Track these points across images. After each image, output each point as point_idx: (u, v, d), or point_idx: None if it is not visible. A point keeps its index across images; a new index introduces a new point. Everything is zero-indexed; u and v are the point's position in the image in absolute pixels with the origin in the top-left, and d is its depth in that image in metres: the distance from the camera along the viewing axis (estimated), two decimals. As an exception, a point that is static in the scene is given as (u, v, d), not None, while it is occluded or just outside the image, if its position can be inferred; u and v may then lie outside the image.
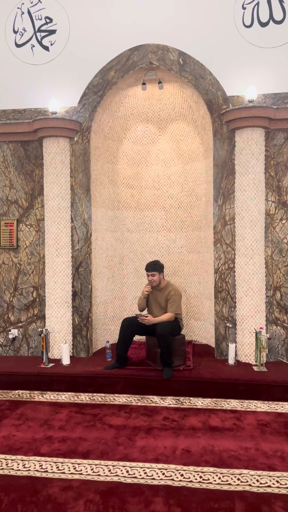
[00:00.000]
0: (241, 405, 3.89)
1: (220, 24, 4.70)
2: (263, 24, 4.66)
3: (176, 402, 3.97)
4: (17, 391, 4.30)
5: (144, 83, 5.12)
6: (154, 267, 4.58)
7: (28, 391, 4.28)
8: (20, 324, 5.20)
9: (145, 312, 4.77)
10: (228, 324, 4.79)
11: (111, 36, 4.86)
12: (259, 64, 4.66)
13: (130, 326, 4.47)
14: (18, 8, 5.04)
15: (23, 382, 4.38)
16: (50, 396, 4.17)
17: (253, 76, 4.64)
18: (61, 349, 4.69)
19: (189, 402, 3.97)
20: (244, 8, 4.68)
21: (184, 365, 4.45)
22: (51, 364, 4.65)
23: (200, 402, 3.95)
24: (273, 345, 4.75)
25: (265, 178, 4.70)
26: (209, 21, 4.72)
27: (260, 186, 4.63)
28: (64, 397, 4.15)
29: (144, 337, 4.87)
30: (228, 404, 3.91)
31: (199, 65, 4.76)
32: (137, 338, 4.70)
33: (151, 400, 4.01)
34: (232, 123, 4.62)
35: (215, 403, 3.93)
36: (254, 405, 3.88)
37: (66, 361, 4.65)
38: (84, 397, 4.13)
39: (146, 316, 4.38)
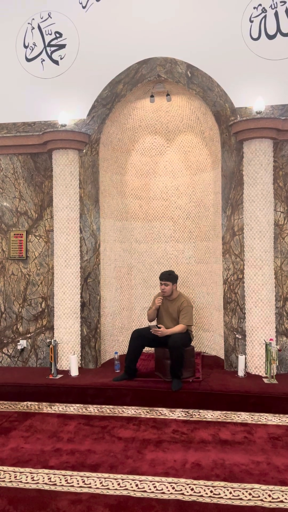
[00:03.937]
0: (252, 418, 3.84)
1: (228, 37, 4.75)
2: (271, 37, 4.70)
3: (185, 414, 3.92)
4: (25, 403, 4.28)
5: (152, 96, 5.17)
6: (168, 277, 4.57)
7: (36, 403, 4.27)
8: (29, 335, 5.20)
9: (155, 322, 4.75)
10: (237, 336, 4.75)
11: (119, 50, 4.93)
12: (267, 76, 4.69)
13: (140, 337, 4.44)
14: (28, 23, 5.14)
15: (32, 394, 4.36)
16: (59, 408, 4.14)
17: (261, 87, 4.66)
18: (70, 360, 4.68)
19: (198, 414, 3.92)
20: (251, 21, 4.72)
21: (193, 377, 4.41)
22: (59, 376, 4.63)
23: (210, 415, 3.90)
24: (284, 357, 4.69)
25: (274, 188, 4.69)
26: (217, 34, 4.77)
27: (268, 197, 4.63)
28: (73, 408, 4.12)
29: (152, 348, 4.84)
30: (238, 417, 3.86)
31: (207, 77, 4.80)
32: (145, 349, 4.67)
33: (160, 413, 3.97)
34: (240, 134, 4.64)
35: (225, 416, 3.88)
36: (265, 418, 3.82)
37: (74, 372, 4.64)
38: (92, 409, 4.10)
39: (159, 328, 4.36)
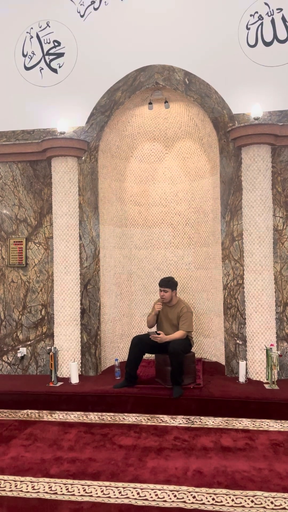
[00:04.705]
0: (253, 424, 3.82)
1: (225, 44, 4.78)
2: (267, 44, 4.74)
3: (186, 421, 3.90)
4: (25, 411, 4.26)
5: (150, 103, 5.20)
6: (168, 284, 4.57)
7: (36, 411, 4.24)
8: (29, 343, 5.18)
9: (154, 329, 4.74)
10: (238, 341, 4.73)
11: (117, 58, 4.97)
12: (264, 82, 4.72)
13: (140, 344, 4.43)
14: (27, 32, 5.18)
15: (32, 402, 4.34)
16: (59, 416, 4.12)
17: (259, 94, 4.69)
18: (70, 368, 4.66)
19: (199, 421, 3.90)
20: (248, 28, 4.76)
21: (194, 383, 4.40)
22: (59, 383, 4.61)
23: (211, 421, 3.88)
24: (285, 362, 4.68)
25: (273, 194, 4.71)
26: (214, 42, 4.81)
27: (267, 202, 4.64)
28: (73, 416, 4.10)
29: (153, 355, 4.83)
30: (240, 423, 3.84)
31: (205, 84, 4.83)
32: (146, 356, 4.66)
33: (161, 420, 3.95)
34: (239, 141, 4.66)
35: (226, 422, 3.86)
36: (267, 424, 3.80)
37: (74, 379, 4.62)
38: (93, 417, 4.08)
39: (159, 334, 4.35)
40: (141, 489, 2.81)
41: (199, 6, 4.85)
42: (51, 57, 5.14)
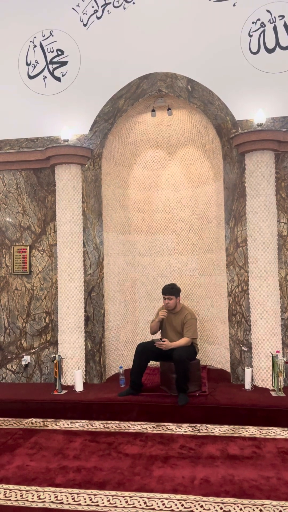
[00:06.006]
0: (260, 432, 3.78)
1: (228, 51, 4.81)
2: (270, 50, 4.76)
3: (192, 429, 3.87)
4: (30, 419, 4.23)
5: (153, 110, 5.22)
6: (172, 291, 4.54)
7: (41, 419, 4.21)
8: (33, 351, 5.16)
9: (158, 335, 4.71)
10: (243, 348, 4.70)
11: (120, 66, 5.00)
12: (267, 89, 4.73)
13: (145, 351, 4.40)
14: (30, 41, 5.22)
15: (36, 410, 4.31)
16: (64, 424, 4.09)
17: (262, 100, 4.70)
18: (74, 376, 4.64)
19: (206, 429, 3.86)
20: (250, 36, 4.79)
21: (199, 391, 4.36)
22: (64, 391, 4.58)
23: (217, 429, 3.85)
24: (290, 369, 4.64)
25: (277, 200, 4.70)
26: (217, 49, 4.83)
27: (271, 208, 4.63)
28: (78, 425, 4.07)
29: (157, 362, 4.80)
30: (247, 431, 3.80)
31: (208, 91, 4.85)
32: (151, 363, 4.63)
33: (167, 428, 3.92)
34: (242, 147, 4.66)
35: (233, 430, 3.82)
36: (274, 432, 3.76)
37: (79, 387, 4.59)
38: (98, 425, 4.04)
39: (163, 341, 4.32)
40: (148, 498, 2.78)
41: (201, 13, 4.88)
42: (55, 65, 5.18)
